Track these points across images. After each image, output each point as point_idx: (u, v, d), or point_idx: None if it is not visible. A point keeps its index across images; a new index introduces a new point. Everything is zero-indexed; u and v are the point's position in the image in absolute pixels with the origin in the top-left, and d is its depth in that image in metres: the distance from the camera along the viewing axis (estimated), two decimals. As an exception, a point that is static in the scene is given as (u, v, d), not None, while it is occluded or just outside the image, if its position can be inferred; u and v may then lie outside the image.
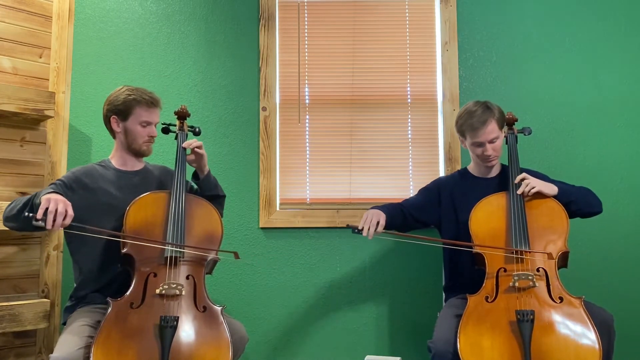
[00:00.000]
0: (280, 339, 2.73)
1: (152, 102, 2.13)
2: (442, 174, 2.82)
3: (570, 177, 2.66)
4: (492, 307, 1.92)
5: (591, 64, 2.86)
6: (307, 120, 2.88)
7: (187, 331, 1.83)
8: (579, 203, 2.17)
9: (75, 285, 2.12)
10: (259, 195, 2.78)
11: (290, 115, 2.88)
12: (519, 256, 1.99)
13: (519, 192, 2.12)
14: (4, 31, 2.45)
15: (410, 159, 2.87)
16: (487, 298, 1.95)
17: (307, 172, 2.86)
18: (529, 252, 2.00)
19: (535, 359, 1.79)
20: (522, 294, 1.93)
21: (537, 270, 1.98)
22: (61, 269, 2.54)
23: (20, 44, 2.49)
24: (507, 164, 2.28)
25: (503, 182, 2.27)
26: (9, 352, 2.39)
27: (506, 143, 2.32)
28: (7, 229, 1.97)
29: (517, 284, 1.93)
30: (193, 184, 2.28)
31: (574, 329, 1.84)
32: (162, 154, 2.72)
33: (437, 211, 2.34)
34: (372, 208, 2.22)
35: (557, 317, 1.87)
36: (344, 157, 2.87)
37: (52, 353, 1.74)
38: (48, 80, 2.56)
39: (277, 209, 2.81)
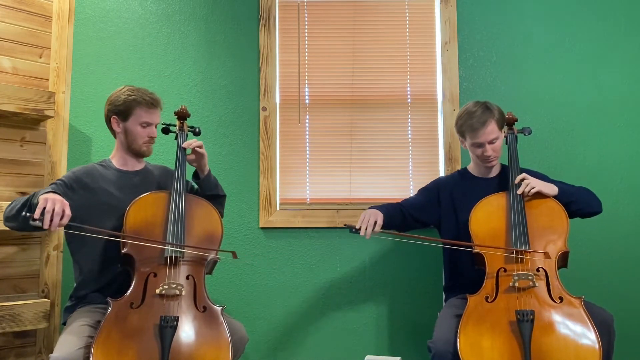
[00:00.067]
0: (280, 339, 2.73)
1: (152, 103, 2.12)
2: (442, 174, 2.82)
3: (570, 177, 2.66)
4: (492, 307, 1.92)
5: (591, 64, 2.86)
6: (307, 120, 2.88)
7: (187, 331, 1.83)
8: (579, 203, 2.17)
9: (75, 285, 2.12)
10: (259, 195, 2.78)
11: (290, 115, 2.88)
12: (519, 256, 1.99)
13: (519, 192, 2.12)
14: (4, 31, 2.45)
15: (410, 159, 2.87)
16: (487, 298, 1.95)
17: (307, 172, 2.86)
18: (528, 252, 2.00)
19: (535, 359, 1.80)
20: (522, 294, 1.93)
21: (537, 270, 1.98)
22: (61, 269, 2.54)
23: (20, 44, 2.49)
24: (507, 164, 2.28)
25: (503, 182, 2.27)
26: (9, 352, 2.39)
27: (506, 143, 2.32)
28: (7, 229, 1.97)
29: (517, 284, 1.93)
30: (194, 183, 2.28)
31: (574, 329, 1.84)
32: (162, 154, 2.72)
33: (436, 211, 2.34)
34: (370, 208, 2.22)
35: (557, 317, 1.87)
36: (344, 157, 2.87)
37: (52, 353, 1.74)
38: (48, 80, 2.56)
39: (277, 209, 2.81)
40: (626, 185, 2.79)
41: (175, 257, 1.95)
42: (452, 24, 2.87)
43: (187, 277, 1.95)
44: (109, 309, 1.82)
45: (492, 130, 2.18)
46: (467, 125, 2.20)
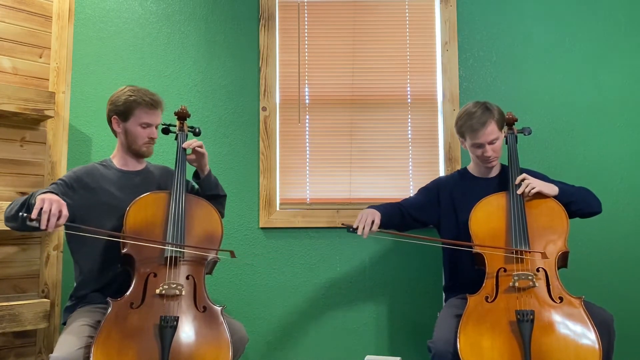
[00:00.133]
0: (280, 339, 2.73)
1: (152, 104, 2.12)
2: (442, 174, 2.82)
3: (570, 177, 2.66)
4: (492, 307, 1.92)
5: (591, 64, 2.86)
6: (307, 120, 2.88)
7: (187, 331, 1.83)
8: (579, 203, 2.17)
9: (75, 284, 2.12)
10: (259, 195, 2.78)
11: (290, 115, 2.88)
12: (519, 256, 1.99)
13: (519, 192, 2.12)
14: (4, 31, 2.45)
15: (410, 159, 2.87)
16: (487, 298, 1.95)
17: (307, 172, 2.86)
18: (528, 251, 2.00)
19: (535, 359, 1.80)
20: (522, 294, 1.93)
21: (537, 270, 1.98)
22: (61, 269, 2.54)
23: (20, 44, 2.49)
24: (507, 164, 2.28)
25: (503, 182, 2.27)
26: (9, 352, 2.39)
27: (506, 143, 2.32)
28: (7, 228, 1.97)
29: (517, 284, 1.93)
30: (194, 183, 2.28)
31: (574, 329, 1.84)
32: (162, 154, 2.72)
33: (436, 211, 2.34)
34: (368, 207, 2.22)
35: (557, 317, 1.87)
36: (344, 157, 2.87)
37: (52, 353, 1.74)
38: (48, 80, 2.56)
39: (277, 209, 2.81)
40: (626, 185, 2.79)
41: (175, 257, 1.95)
42: (452, 24, 2.87)
43: (187, 277, 1.95)
44: (109, 309, 1.82)
45: (492, 130, 2.18)
46: (467, 126, 2.20)
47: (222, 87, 2.84)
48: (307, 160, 2.87)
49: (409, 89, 2.90)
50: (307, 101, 2.89)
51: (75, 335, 1.81)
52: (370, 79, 2.90)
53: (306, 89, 2.89)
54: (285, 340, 2.73)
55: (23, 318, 2.28)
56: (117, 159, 2.20)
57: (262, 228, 2.78)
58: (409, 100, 2.89)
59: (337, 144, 2.87)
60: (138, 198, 2.04)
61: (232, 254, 2.03)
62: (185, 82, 2.83)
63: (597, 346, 1.80)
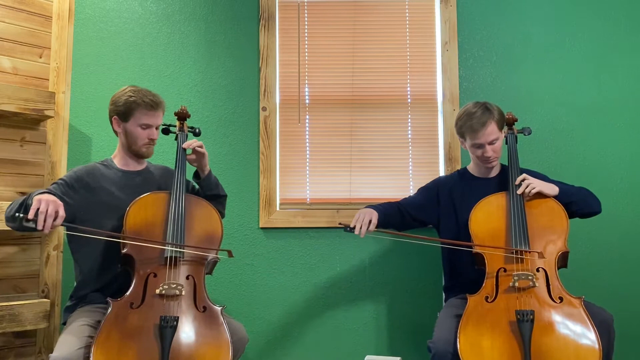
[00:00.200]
0: (280, 339, 2.73)
1: (152, 106, 2.11)
2: (442, 174, 2.82)
3: (570, 177, 2.66)
4: (492, 307, 1.92)
5: (591, 64, 2.86)
6: (307, 120, 2.88)
7: (187, 331, 1.83)
8: (579, 203, 2.17)
9: (75, 284, 2.12)
10: (259, 195, 2.78)
11: (290, 115, 2.88)
12: (519, 256, 1.99)
13: (519, 192, 2.12)
14: (4, 31, 2.45)
15: (410, 159, 2.87)
16: (487, 298, 1.95)
17: (307, 172, 2.86)
18: (527, 251, 2.00)
19: (535, 359, 1.80)
20: (522, 294, 1.93)
21: (537, 270, 1.98)
22: (61, 269, 2.54)
23: (20, 44, 2.49)
24: (507, 164, 2.28)
25: (503, 182, 2.27)
26: (9, 352, 2.39)
27: (506, 143, 2.32)
28: (8, 228, 1.97)
29: (517, 284, 1.93)
30: (194, 183, 2.28)
31: (574, 329, 1.85)
32: (163, 154, 2.72)
33: (435, 211, 2.34)
34: (366, 207, 2.22)
35: (557, 317, 1.87)
36: (344, 157, 2.87)
37: (52, 353, 1.74)
38: (48, 80, 2.56)
39: (277, 209, 2.81)
40: (626, 185, 2.79)
41: (175, 257, 1.95)
42: (452, 24, 2.87)
43: (187, 277, 1.95)
44: (109, 309, 1.82)
45: (492, 131, 2.18)
46: (467, 126, 2.20)
47: (222, 87, 2.84)
48: (307, 160, 2.87)
49: (409, 89, 2.90)
50: (307, 101, 2.89)
51: (75, 335, 1.81)
52: (370, 79, 2.90)
53: (306, 89, 2.89)
54: (285, 340, 2.73)
55: (23, 318, 2.28)
56: (118, 159, 2.20)
57: (262, 228, 2.78)
58: (409, 100, 2.89)
59: (337, 144, 2.87)
60: (138, 198, 2.04)
61: (230, 254, 2.03)
62: (185, 82, 2.83)
63: (597, 346, 1.80)
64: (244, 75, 2.84)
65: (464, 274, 2.23)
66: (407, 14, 2.93)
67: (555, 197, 2.12)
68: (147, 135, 2.13)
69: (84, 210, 2.04)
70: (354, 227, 2.07)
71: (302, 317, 2.75)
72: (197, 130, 2.31)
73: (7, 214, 1.92)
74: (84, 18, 2.80)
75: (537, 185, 2.11)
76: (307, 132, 2.88)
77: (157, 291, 1.87)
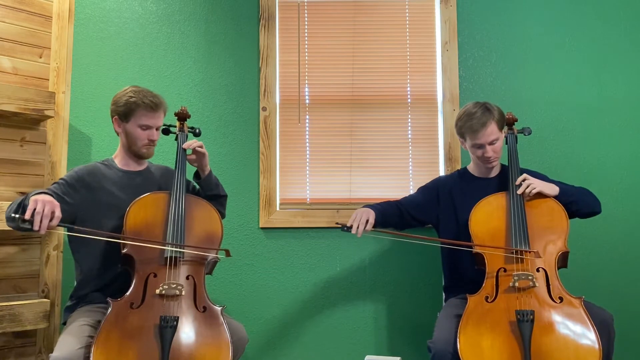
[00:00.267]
0: (280, 339, 2.73)
1: (152, 107, 2.10)
2: (442, 173, 2.82)
3: (570, 177, 2.66)
4: (492, 307, 1.92)
5: (591, 64, 2.86)
6: (307, 120, 2.89)
7: (187, 331, 1.83)
8: (579, 203, 2.17)
9: (75, 284, 2.12)
10: (259, 195, 2.78)
11: (290, 115, 2.88)
12: (519, 256, 1.99)
13: (520, 192, 2.12)
14: (4, 31, 2.45)
15: (410, 159, 2.87)
16: (487, 298, 1.95)
17: (307, 172, 2.86)
18: (527, 251, 2.00)
19: (535, 359, 1.80)
20: (522, 294, 1.93)
21: (537, 270, 1.98)
22: (61, 269, 2.55)
23: (20, 44, 2.49)
24: (507, 164, 2.28)
25: (503, 182, 2.27)
26: (9, 352, 2.39)
27: (506, 143, 2.32)
28: (8, 228, 1.97)
29: (517, 284, 1.93)
30: (195, 183, 2.28)
31: (574, 329, 1.85)
32: (163, 154, 2.72)
33: (435, 210, 2.34)
34: (363, 206, 2.21)
35: (557, 317, 1.87)
36: (344, 157, 2.87)
37: (52, 353, 1.74)
38: (48, 80, 2.56)
39: (277, 209, 2.81)
40: (626, 185, 2.80)
41: (175, 258, 1.95)
42: (452, 24, 2.87)
43: (187, 277, 1.95)
44: (109, 309, 1.82)
45: (492, 131, 2.18)
46: (467, 126, 2.20)
47: (222, 87, 2.84)
48: (307, 160, 2.87)
49: (409, 89, 2.90)
50: (307, 101, 2.89)
51: (75, 335, 1.81)
52: (370, 79, 2.90)
53: (306, 89, 2.89)
54: (285, 340, 2.73)
55: (23, 318, 2.28)
56: (119, 159, 2.20)
57: (262, 228, 2.78)
58: (409, 100, 2.89)
59: (337, 144, 2.87)
60: (138, 198, 2.04)
61: (228, 253, 2.03)
62: (185, 82, 2.83)
63: (597, 346, 1.80)
64: (244, 75, 2.84)
65: (464, 274, 2.23)
66: (407, 14, 2.93)
67: (556, 197, 2.12)
68: (147, 136, 2.13)
69: (85, 210, 2.04)
70: (351, 227, 2.07)
71: (302, 317, 2.75)
72: (197, 131, 2.32)
73: (7, 214, 1.92)
74: (84, 18, 2.80)
75: (538, 185, 2.11)
76: (307, 132, 2.88)
77: (157, 291, 1.87)
